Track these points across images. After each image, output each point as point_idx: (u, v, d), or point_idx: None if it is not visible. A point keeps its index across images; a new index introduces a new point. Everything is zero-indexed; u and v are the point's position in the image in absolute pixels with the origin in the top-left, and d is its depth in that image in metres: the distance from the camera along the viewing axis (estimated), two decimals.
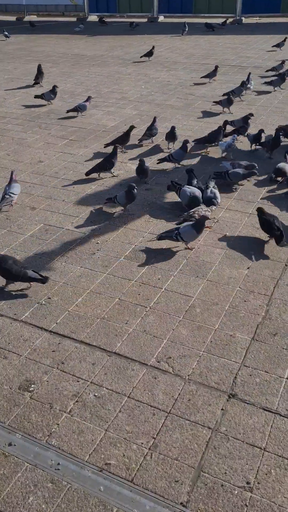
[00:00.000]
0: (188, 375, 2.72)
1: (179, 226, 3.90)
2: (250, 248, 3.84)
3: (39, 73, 8.81)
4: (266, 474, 2.19)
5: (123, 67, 10.34)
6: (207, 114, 7.06)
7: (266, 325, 3.05)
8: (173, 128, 5.67)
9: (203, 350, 2.89)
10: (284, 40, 11.08)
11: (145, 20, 16.58)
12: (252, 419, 2.45)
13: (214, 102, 7.16)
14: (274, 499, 2.09)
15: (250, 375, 2.70)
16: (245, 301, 3.27)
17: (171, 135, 5.67)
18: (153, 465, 2.25)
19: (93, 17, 17.51)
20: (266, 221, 3.84)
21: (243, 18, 15.54)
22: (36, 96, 7.66)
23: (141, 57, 10.79)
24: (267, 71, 9.09)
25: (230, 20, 15.49)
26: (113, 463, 2.26)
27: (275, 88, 8.07)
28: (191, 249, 3.84)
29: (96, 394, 2.61)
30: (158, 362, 2.82)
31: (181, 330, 3.05)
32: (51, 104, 7.66)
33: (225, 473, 2.20)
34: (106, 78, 9.42)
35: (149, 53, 10.69)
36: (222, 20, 15.13)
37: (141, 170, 4.93)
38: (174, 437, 2.38)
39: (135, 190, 4.26)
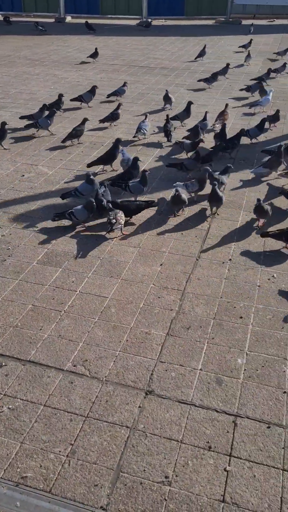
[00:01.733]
0: (105, 376, 2.70)
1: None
2: (162, 245, 3.90)
3: None
4: (184, 466, 2.23)
5: (31, 67, 10.08)
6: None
7: (180, 320, 3.11)
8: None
9: (119, 349, 2.88)
10: (250, 42, 11.13)
11: (52, 20, 16.29)
12: (169, 413, 2.48)
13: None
14: (192, 489, 2.13)
15: (166, 370, 2.73)
16: (159, 297, 3.32)
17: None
18: (72, 472, 2.21)
19: None
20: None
21: (150, 20, 15.80)
22: None
23: (87, 57, 10.57)
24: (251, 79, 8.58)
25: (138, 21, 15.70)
26: (29, 476, 2.18)
27: (253, 94, 7.81)
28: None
29: (10, 407, 2.51)
30: (75, 366, 2.77)
31: (97, 331, 3.03)
32: None
33: (144, 470, 2.21)
34: (14, 78, 9.13)
35: (95, 54, 10.43)
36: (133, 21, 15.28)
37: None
38: (92, 440, 2.35)
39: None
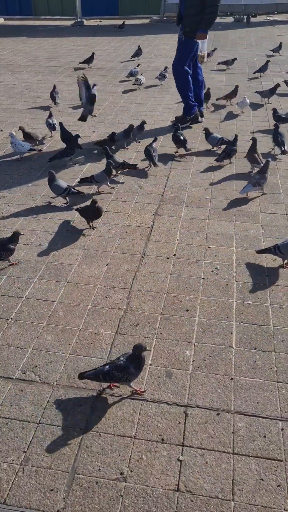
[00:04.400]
0: (56, 381, 2.69)
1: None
2: (107, 245, 3.92)
3: None
4: (138, 460, 2.26)
5: None
6: (56, 117, 7.01)
7: (128, 318, 3.15)
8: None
9: (69, 352, 2.88)
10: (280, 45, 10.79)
11: None
12: (121, 410, 2.51)
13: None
14: (147, 482, 2.17)
15: None
16: (106, 297, 3.33)
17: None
18: (26, 480, 2.19)
19: None
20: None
21: (84, 20, 15.74)
22: None
23: (79, 63, 10.02)
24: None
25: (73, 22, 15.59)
26: None
27: (263, 100, 7.53)
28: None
29: None
30: (24, 373, 2.74)
31: (46, 336, 3.00)
32: None
33: (99, 469, 2.23)
34: None
35: (90, 59, 9.86)
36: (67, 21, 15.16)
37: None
38: (45, 446, 2.33)
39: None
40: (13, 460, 2.27)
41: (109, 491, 2.13)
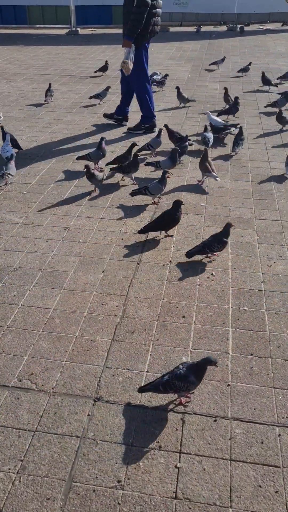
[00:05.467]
0: (52, 388, 2.68)
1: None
2: (103, 252, 3.93)
3: None
4: (135, 468, 2.25)
5: None
6: (51, 124, 7.04)
7: (124, 324, 3.15)
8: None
9: (65, 360, 2.87)
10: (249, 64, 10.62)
11: None
12: (118, 417, 2.50)
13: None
14: (145, 490, 2.16)
15: (113, 376, 2.75)
16: (102, 304, 3.33)
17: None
18: (23, 489, 2.17)
19: None
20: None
21: (78, 29, 15.84)
22: None
23: (95, 72, 10.15)
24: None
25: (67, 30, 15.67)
26: None
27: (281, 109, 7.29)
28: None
29: None
30: (20, 381, 2.73)
31: (42, 343, 2.99)
32: None
33: (96, 477, 2.21)
34: None
35: (104, 68, 9.99)
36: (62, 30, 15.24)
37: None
38: (42, 454, 2.32)
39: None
40: (9, 469, 2.25)
41: (107, 499, 2.12)
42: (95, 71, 10.20)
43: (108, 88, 7.96)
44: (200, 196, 4.88)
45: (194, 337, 3.03)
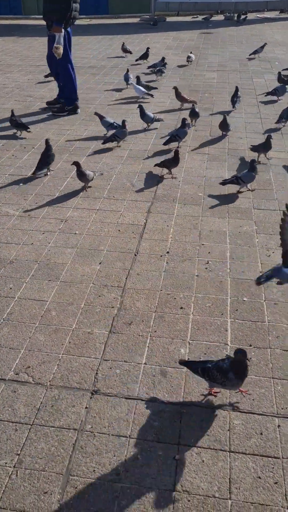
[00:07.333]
0: (49, 381, 2.65)
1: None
2: (100, 243, 3.88)
3: None
4: (134, 460, 2.23)
5: None
6: (49, 115, 6.97)
7: (122, 316, 3.11)
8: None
9: (62, 352, 2.84)
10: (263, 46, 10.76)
11: None
12: (116, 410, 2.47)
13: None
14: (143, 482, 2.14)
15: (111, 368, 2.72)
16: (99, 296, 3.30)
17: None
18: (20, 483, 2.15)
19: None
20: None
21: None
22: None
23: (136, 60, 10.19)
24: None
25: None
26: None
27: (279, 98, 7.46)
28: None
29: None
30: (17, 374, 2.70)
31: (38, 336, 2.96)
32: None
33: (94, 470, 2.19)
34: None
35: (145, 55, 10.07)
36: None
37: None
38: (39, 448, 2.29)
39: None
40: (6, 463, 2.23)
41: (105, 493, 2.10)
42: (136, 60, 10.18)
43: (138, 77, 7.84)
44: (197, 186, 4.83)
45: (192, 329, 3.00)
